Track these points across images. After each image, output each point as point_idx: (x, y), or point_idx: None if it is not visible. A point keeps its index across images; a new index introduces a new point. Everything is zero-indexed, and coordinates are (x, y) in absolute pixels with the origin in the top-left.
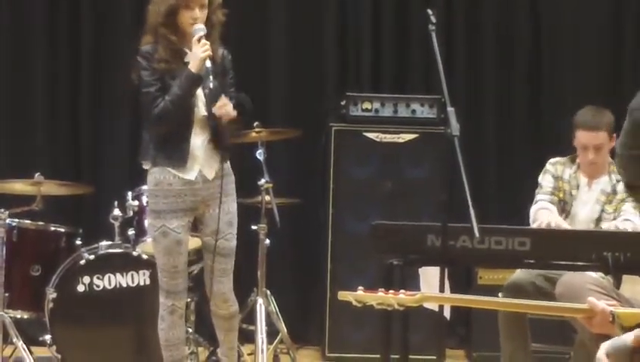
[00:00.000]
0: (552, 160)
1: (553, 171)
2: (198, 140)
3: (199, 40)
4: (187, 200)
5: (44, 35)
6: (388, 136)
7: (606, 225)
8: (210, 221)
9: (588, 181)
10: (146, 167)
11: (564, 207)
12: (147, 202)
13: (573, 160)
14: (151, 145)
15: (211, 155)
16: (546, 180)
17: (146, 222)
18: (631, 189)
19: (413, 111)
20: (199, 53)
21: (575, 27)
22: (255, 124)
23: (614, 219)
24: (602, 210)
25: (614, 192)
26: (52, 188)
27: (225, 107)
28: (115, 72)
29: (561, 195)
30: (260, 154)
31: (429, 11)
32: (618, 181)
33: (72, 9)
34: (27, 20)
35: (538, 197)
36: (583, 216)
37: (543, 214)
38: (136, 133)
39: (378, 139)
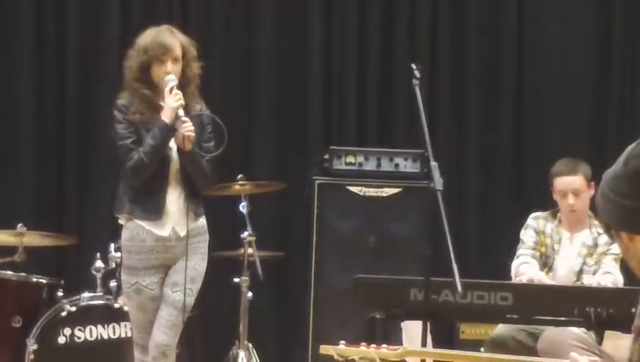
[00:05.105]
0: (533, 214)
1: (535, 226)
2: (173, 195)
3: (171, 90)
4: (160, 257)
5: (30, 81)
6: (371, 190)
7: (587, 281)
8: (172, 273)
9: (569, 235)
10: (121, 221)
11: (546, 262)
12: (121, 257)
13: (554, 214)
14: (126, 198)
15: (185, 211)
16: (527, 235)
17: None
18: (608, 231)
19: (397, 165)
20: (171, 103)
21: (559, 79)
22: (239, 176)
23: (595, 271)
24: (584, 263)
25: (595, 245)
26: (34, 238)
27: (186, 124)
28: (100, 123)
29: (542, 250)
30: (243, 207)
31: (414, 66)
32: (600, 234)
33: (58, 55)
34: (12, 65)
35: (520, 251)
36: (565, 269)
37: (524, 269)
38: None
39: (362, 193)
